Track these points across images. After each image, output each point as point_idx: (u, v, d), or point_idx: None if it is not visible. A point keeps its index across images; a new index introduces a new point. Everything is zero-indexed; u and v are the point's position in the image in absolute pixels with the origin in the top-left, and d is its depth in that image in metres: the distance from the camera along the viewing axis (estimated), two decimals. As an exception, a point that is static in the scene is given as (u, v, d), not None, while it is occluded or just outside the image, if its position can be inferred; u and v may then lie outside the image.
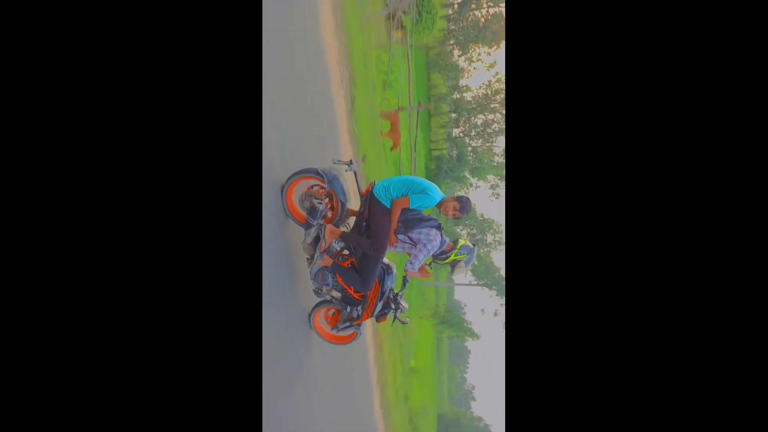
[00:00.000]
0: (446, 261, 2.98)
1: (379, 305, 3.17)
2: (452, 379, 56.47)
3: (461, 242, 3.02)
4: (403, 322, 3.29)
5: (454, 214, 2.99)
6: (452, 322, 17.40)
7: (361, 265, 3.09)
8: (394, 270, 3.27)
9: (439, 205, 3.02)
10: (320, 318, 3.49)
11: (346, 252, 3.20)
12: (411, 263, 2.93)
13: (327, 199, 3.20)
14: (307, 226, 2.95)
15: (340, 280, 3.13)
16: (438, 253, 3.00)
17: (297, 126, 3.68)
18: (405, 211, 3.03)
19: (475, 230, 23.21)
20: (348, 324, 3.22)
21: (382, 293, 3.15)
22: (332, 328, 3.33)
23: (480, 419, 39.24)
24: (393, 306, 3.19)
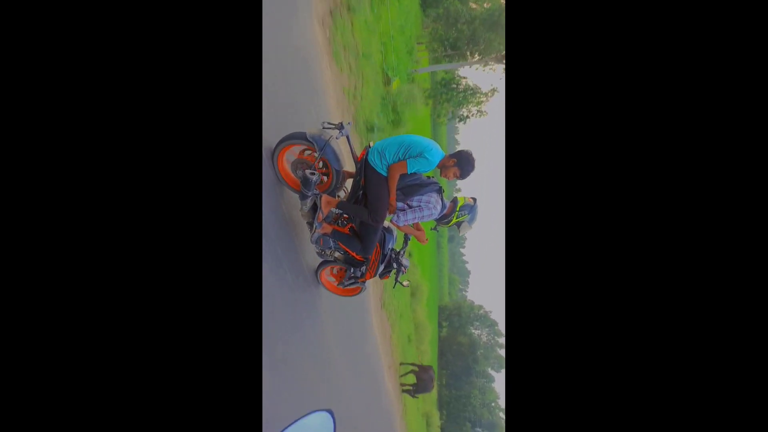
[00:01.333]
0: (449, 224, 3.02)
1: (381, 267, 3.32)
2: (453, 286, 60.36)
3: (461, 201, 3.01)
4: (403, 285, 3.50)
5: (455, 176, 2.94)
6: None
7: (361, 231, 3.16)
8: (395, 231, 3.36)
9: (440, 166, 2.95)
10: (327, 275, 3.69)
11: (346, 215, 3.24)
12: (397, 217, 2.93)
13: (321, 165, 3.13)
14: (302, 197, 2.95)
15: (341, 245, 3.24)
16: (439, 217, 3.02)
17: (288, 86, 3.46)
18: (403, 176, 2.98)
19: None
20: (353, 281, 3.42)
21: (384, 255, 3.28)
22: (338, 284, 3.56)
23: (480, 307, 42.43)
24: (395, 265, 3.34)
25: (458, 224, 3.01)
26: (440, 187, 3.04)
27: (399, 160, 2.86)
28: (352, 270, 3.33)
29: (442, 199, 3.01)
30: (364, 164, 2.97)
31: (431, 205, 2.91)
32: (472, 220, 3.04)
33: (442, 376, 35.82)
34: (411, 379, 11.86)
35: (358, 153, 3.12)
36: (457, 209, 2.99)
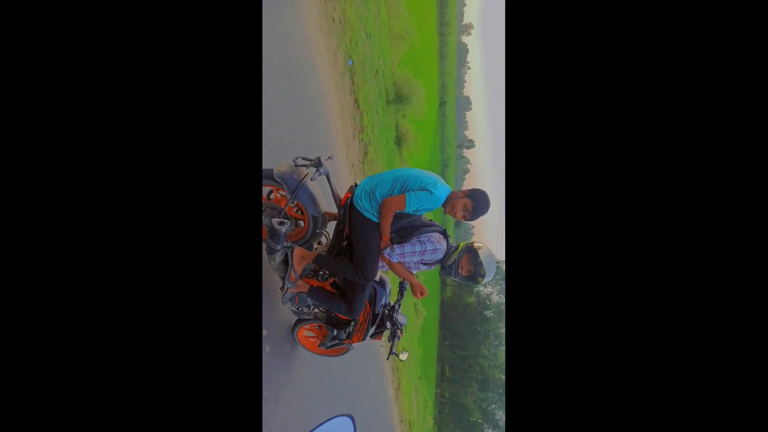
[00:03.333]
0: (458, 249, 2.48)
1: (372, 329, 2.81)
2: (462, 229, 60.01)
3: (462, 245, 2.52)
4: (401, 359, 2.98)
5: (464, 216, 2.41)
6: None
7: (346, 288, 2.65)
8: (388, 284, 2.86)
9: (445, 204, 2.44)
10: (306, 332, 3.22)
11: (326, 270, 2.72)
12: (391, 250, 2.44)
13: (294, 209, 2.63)
14: (270, 250, 2.45)
15: (321, 304, 2.74)
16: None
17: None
18: (398, 217, 2.47)
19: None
20: (336, 342, 2.96)
21: (375, 315, 2.77)
22: (320, 344, 3.06)
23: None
24: (388, 324, 2.82)
25: (471, 252, 2.45)
26: (444, 230, 2.56)
27: (396, 194, 2.38)
28: (335, 332, 2.87)
29: (448, 243, 2.52)
30: (348, 209, 2.49)
31: (434, 241, 2.43)
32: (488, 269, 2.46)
33: (444, 337, 35.47)
34: None
35: (342, 195, 2.60)
36: (459, 248, 2.48)
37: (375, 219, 2.41)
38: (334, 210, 2.63)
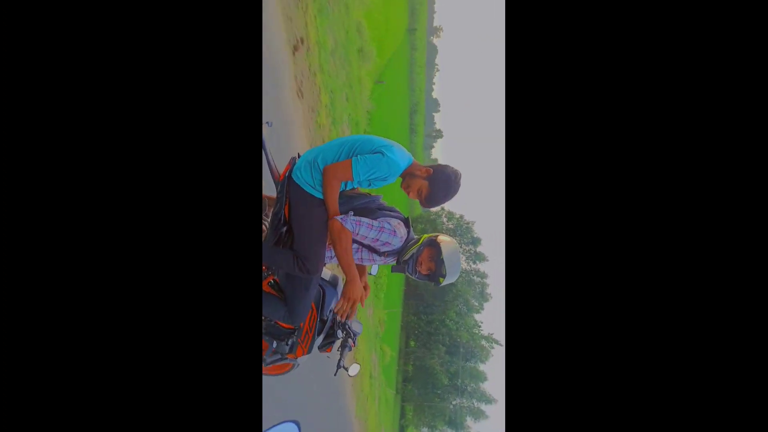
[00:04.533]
0: (419, 243, 2.13)
1: (319, 338, 2.44)
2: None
3: (425, 237, 2.16)
4: (351, 375, 2.56)
5: (420, 196, 2.05)
6: None
7: (286, 289, 2.24)
8: (340, 283, 2.45)
9: (404, 174, 2.06)
10: None
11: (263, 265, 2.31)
12: (350, 224, 1.97)
13: None
14: None
15: None
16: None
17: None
18: (349, 198, 2.08)
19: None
20: (278, 357, 2.59)
21: (323, 322, 2.39)
22: None
23: (460, 218, 38.48)
24: (340, 333, 2.45)
25: (434, 246, 2.09)
26: (407, 218, 2.17)
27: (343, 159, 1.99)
28: (275, 344, 2.48)
29: (409, 232, 2.14)
30: (287, 184, 2.06)
31: (392, 225, 2.03)
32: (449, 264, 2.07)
33: (408, 306, 33.87)
34: None
35: (281, 169, 2.17)
36: (420, 241, 2.11)
37: (319, 194, 1.99)
38: (273, 192, 2.20)
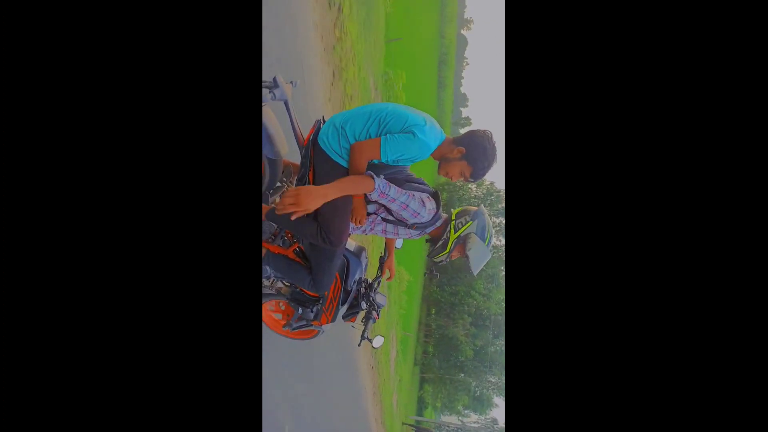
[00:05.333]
0: (447, 248, 2.11)
1: (343, 308, 2.54)
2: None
3: (456, 211, 2.13)
4: (374, 347, 2.67)
5: (462, 178, 1.99)
6: None
7: (311, 258, 2.28)
8: (365, 257, 2.53)
9: (438, 156, 1.99)
10: (270, 309, 2.93)
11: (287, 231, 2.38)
12: (383, 187, 1.87)
13: None
14: None
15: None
16: (432, 241, 2.17)
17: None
18: (375, 169, 2.01)
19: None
20: (303, 323, 2.70)
21: (347, 292, 2.49)
22: (285, 324, 2.80)
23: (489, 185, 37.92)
24: (364, 305, 2.55)
25: (462, 242, 2.07)
26: (436, 192, 2.11)
27: (370, 136, 1.93)
28: (300, 310, 2.61)
29: (438, 207, 2.07)
30: (311, 149, 2.03)
31: (418, 198, 1.97)
32: (482, 230, 2.08)
33: (431, 278, 32.61)
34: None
35: (305, 132, 2.15)
36: (453, 219, 2.08)
37: (344, 163, 1.96)
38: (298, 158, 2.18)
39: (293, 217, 1.69)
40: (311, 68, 4.89)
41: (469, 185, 32.75)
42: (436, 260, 2.15)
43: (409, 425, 12.91)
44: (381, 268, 2.65)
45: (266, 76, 2.10)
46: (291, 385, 3.41)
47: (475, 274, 2.18)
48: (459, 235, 2.09)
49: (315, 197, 1.72)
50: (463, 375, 32.41)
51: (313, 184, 2.02)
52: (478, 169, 1.95)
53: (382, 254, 2.65)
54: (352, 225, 2.11)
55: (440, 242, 2.13)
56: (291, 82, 2.15)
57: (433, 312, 32.56)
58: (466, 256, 2.09)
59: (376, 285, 2.61)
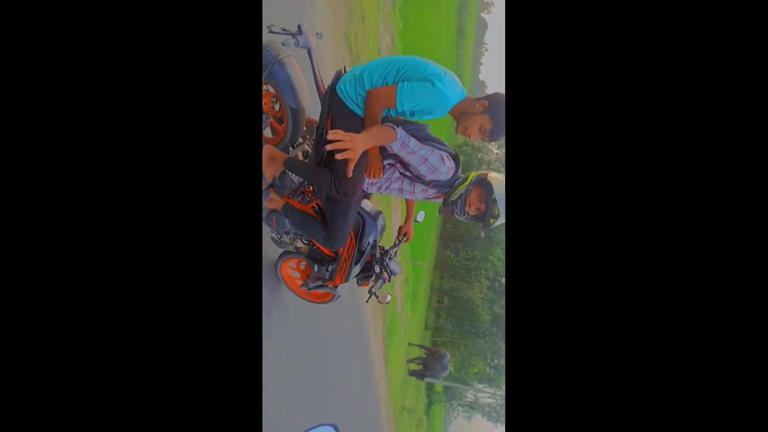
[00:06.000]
0: (468, 179, 2.09)
1: (356, 268, 2.65)
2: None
3: (474, 173, 2.12)
4: (381, 301, 2.80)
5: (481, 137, 1.94)
6: None
7: (327, 211, 2.36)
8: (381, 219, 2.64)
9: (457, 112, 1.94)
10: (290, 269, 3.10)
11: (309, 188, 2.50)
12: (402, 139, 1.87)
13: (266, 88, 2.29)
14: None
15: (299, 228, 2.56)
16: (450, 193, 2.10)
17: None
18: (394, 120, 1.98)
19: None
20: (320, 283, 2.85)
21: (360, 252, 2.60)
22: (303, 284, 2.97)
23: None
24: (377, 269, 2.66)
25: (484, 185, 2.05)
26: (456, 155, 2.11)
27: (387, 84, 1.90)
28: (316, 268, 2.74)
29: (458, 168, 2.08)
30: (329, 96, 2.04)
31: (437, 156, 1.97)
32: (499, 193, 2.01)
33: (445, 244, 30.75)
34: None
35: (327, 83, 2.15)
36: (469, 179, 2.07)
37: (360, 113, 1.95)
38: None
39: (338, 156, 1.62)
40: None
41: (490, 145, 31.45)
42: (452, 198, 2.09)
43: (417, 346, 12.52)
44: (399, 234, 2.76)
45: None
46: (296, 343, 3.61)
47: (504, 220, 2.02)
48: (480, 175, 2.06)
49: (363, 142, 1.68)
50: (479, 341, 30.73)
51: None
52: (499, 122, 1.86)
53: (402, 226, 2.76)
54: (368, 180, 2.16)
55: (459, 180, 2.08)
56: (316, 34, 2.17)
57: (447, 277, 30.90)
58: (493, 201, 1.99)
59: (392, 252, 2.73)
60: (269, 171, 2.30)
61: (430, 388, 28.00)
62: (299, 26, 2.10)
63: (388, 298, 2.87)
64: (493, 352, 32.23)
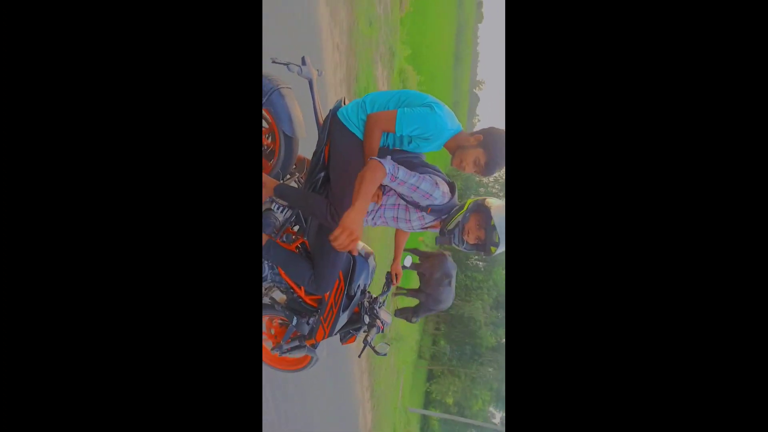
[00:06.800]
0: (465, 206, 1.98)
1: (343, 316, 2.31)
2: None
3: (471, 200, 1.98)
4: (378, 353, 2.41)
5: (475, 170, 1.96)
6: None
7: (316, 248, 2.17)
8: (372, 260, 2.32)
9: (452, 146, 2.01)
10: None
11: (294, 228, 2.25)
12: (390, 169, 1.77)
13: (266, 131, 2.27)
14: None
15: (282, 273, 2.27)
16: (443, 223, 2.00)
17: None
18: (390, 153, 2.01)
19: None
20: (296, 344, 2.46)
21: (349, 297, 2.29)
22: (274, 347, 2.56)
23: None
24: (367, 319, 2.34)
25: (482, 211, 1.91)
26: (452, 182, 2.01)
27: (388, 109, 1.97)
28: (295, 320, 2.37)
29: (454, 193, 1.99)
30: (330, 122, 2.05)
31: (431, 181, 1.87)
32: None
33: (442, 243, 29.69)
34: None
35: (325, 114, 2.13)
36: (466, 206, 1.95)
37: (361, 135, 1.98)
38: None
39: (351, 247, 1.57)
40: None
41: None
42: (449, 227, 1.96)
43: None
44: (388, 283, 2.49)
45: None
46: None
47: (497, 251, 1.93)
48: (477, 201, 1.94)
49: (355, 217, 1.59)
50: (482, 369, 26.74)
51: (329, 157, 2.05)
52: (494, 155, 1.91)
53: (388, 272, 2.53)
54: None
55: (455, 208, 1.98)
56: (317, 70, 2.23)
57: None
58: (492, 227, 1.87)
59: (381, 300, 2.42)
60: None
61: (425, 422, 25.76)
62: (303, 58, 2.18)
63: (386, 349, 2.50)
64: (500, 381, 27.56)
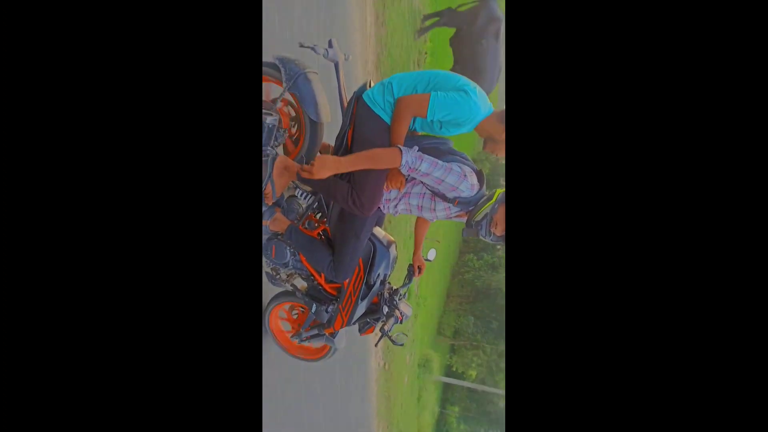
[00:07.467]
0: (494, 198, 1.99)
1: (362, 305, 2.35)
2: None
3: (499, 192, 1.99)
4: (396, 343, 2.47)
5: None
6: None
7: (337, 233, 2.20)
8: (393, 250, 2.34)
9: (483, 129, 1.93)
10: (280, 318, 2.76)
11: (317, 215, 2.29)
12: (412, 160, 1.83)
13: (287, 110, 2.29)
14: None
15: (303, 259, 2.30)
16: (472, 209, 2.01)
17: None
18: (417, 138, 2.00)
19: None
20: (315, 332, 2.52)
21: (369, 286, 2.31)
22: (294, 335, 2.63)
23: None
24: (386, 309, 2.37)
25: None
26: (480, 171, 2.01)
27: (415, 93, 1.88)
28: (314, 308, 2.43)
29: (483, 185, 2.00)
30: (354, 104, 2.00)
31: (458, 171, 1.88)
32: None
33: (466, 252, 24.45)
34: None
35: (349, 96, 2.11)
36: (495, 197, 1.96)
37: (387, 118, 1.92)
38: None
39: (304, 176, 1.82)
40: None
41: None
42: (476, 218, 1.99)
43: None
44: (409, 275, 2.51)
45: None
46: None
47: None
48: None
49: (327, 166, 1.81)
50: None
51: (353, 140, 2.02)
52: None
53: (411, 264, 2.55)
54: (385, 195, 2.08)
55: (483, 199, 1.99)
56: (346, 55, 2.23)
57: (467, 272, 24.84)
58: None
59: (402, 291, 2.45)
60: (281, 182, 2.15)
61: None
62: (330, 41, 2.16)
63: (404, 339, 2.57)
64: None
